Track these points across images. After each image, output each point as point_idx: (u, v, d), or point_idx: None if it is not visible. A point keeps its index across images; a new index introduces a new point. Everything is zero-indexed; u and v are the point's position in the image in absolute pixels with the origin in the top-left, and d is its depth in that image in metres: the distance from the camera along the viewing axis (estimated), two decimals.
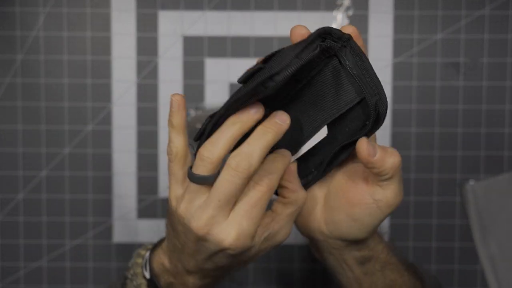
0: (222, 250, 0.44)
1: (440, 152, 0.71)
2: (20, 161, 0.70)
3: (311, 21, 0.70)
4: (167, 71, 0.69)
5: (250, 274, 0.71)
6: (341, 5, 0.69)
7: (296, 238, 0.71)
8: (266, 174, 0.44)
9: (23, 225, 0.70)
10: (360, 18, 0.69)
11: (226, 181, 0.42)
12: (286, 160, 0.45)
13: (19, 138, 0.70)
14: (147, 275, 0.50)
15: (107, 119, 0.70)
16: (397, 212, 0.71)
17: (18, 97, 0.70)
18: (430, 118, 0.70)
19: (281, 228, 0.46)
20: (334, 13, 0.69)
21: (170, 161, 0.47)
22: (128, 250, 0.71)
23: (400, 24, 0.69)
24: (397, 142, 0.70)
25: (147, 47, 0.69)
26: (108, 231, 0.71)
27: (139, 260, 0.50)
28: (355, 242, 0.48)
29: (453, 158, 0.70)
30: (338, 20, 0.69)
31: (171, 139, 0.48)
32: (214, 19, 0.69)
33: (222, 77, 0.70)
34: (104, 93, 0.70)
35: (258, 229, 0.44)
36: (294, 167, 0.46)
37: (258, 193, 0.43)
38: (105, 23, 0.69)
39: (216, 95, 0.70)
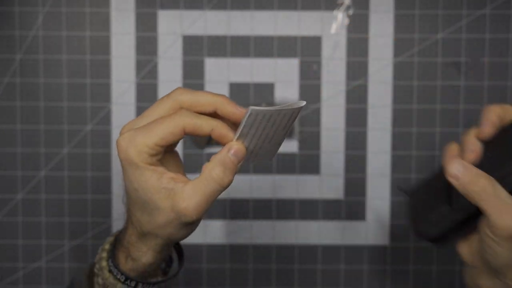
0: (118, 154, 0.47)
1: (441, 152, 0.70)
2: (19, 161, 0.70)
3: (311, 21, 0.70)
4: (167, 71, 0.69)
5: (250, 274, 0.71)
6: (341, 4, 0.69)
7: (296, 239, 0.72)
8: (188, 115, 0.47)
9: (21, 225, 0.70)
10: (360, 17, 0.69)
11: (156, 107, 0.48)
12: (219, 129, 0.47)
13: (17, 138, 0.70)
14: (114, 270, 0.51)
15: (106, 119, 0.70)
16: (399, 213, 0.71)
17: (17, 97, 0.70)
18: (431, 118, 0.70)
19: None
20: (335, 12, 0.69)
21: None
22: None
23: (401, 23, 0.69)
24: (397, 142, 0.70)
25: (146, 47, 0.69)
26: (107, 232, 0.71)
27: (104, 254, 0.51)
28: None
29: None
30: (338, 20, 0.69)
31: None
32: (214, 18, 0.69)
33: (222, 76, 0.70)
34: (103, 93, 0.70)
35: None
36: None
37: (167, 119, 0.47)
38: (104, 23, 0.69)
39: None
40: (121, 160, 0.47)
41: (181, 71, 0.71)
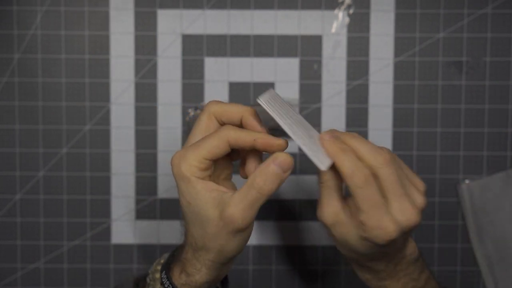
0: (173, 171, 0.52)
1: (442, 152, 0.71)
2: (17, 161, 0.70)
3: (312, 20, 0.70)
4: (166, 70, 0.69)
5: (250, 275, 0.71)
6: (342, 3, 0.69)
7: (297, 239, 0.72)
8: (229, 129, 0.51)
9: (20, 226, 0.70)
10: (361, 16, 0.69)
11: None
12: (260, 140, 0.52)
13: (16, 138, 0.70)
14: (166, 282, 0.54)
15: (105, 119, 0.70)
16: None
17: (15, 96, 0.70)
18: (432, 118, 0.70)
19: None
20: (335, 11, 0.69)
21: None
22: (126, 251, 0.71)
23: (402, 22, 0.69)
24: (398, 142, 0.70)
25: (145, 46, 0.69)
26: (106, 232, 0.71)
27: (159, 267, 0.55)
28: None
29: (455, 158, 0.70)
30: (339, 19, 0.69)
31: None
32: (213, 17, 0.69)
33: (221, 76, 0.70)
34: (102, 93, 0.70)
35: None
36: None
37: (212, 135, 0.51)
38: (103, 22, 0.69)
39: (215, 94, 0.70)
40: (175, 177, 0.51)
41: (181, 71, 0.71)
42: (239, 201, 0.49)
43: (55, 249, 0.72)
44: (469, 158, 0.71)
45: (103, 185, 0.72)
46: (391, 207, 0.49)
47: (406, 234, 0.50)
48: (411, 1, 0.71)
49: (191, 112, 0.72)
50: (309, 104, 0.71)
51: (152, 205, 0.72)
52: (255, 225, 0.72)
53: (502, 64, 0.71)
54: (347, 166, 0.50)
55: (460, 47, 0.71)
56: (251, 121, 0.52)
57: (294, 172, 0.72)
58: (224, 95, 0.71)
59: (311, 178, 0.72)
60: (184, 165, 0.51)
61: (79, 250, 0.72)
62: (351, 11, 0.71)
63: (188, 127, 0.71)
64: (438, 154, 0.71)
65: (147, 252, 0.72)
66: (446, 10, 0.71)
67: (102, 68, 0.71)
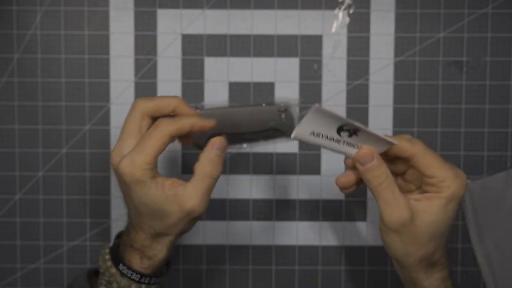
0: (122, 178, 0.55)
1: (442, 152, 0.71)
2: (16, 162, 0.70)
3: (312, 20, 0.70)
4: (166, 70, 0.69)
5: (249, 276, 0.71)
6: (342, 3, 0.69)
7: (296, 240, 0.72)
8: (168, 122, 0.55)
9: (19, 226, 0.70)
10: (361, 16, 0.69)
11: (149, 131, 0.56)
12: (197, 122, 0.57)
13: (15, 138, 0.70)
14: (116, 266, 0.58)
15: (105, 119, 0.70)
16: None
17: (15, 96, 0.70)
18: (432, 118, 0.70)
19: None
20: (335, 11, 0.69)
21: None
22: None
23: (402, 22, 0.69)
24: None
25: (145, 46, 0.69)
26: (106, 232, 0.71)
27: (109, 263, 0.58)
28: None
29: (456, 158, 0.70)
30: (339, 19, 0.69)
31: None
32: (213, 17, 0.69)
33: (221, 76, 0.70)
34: (102, 92, 0.70)
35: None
36: None
37: (152, 133, 0.55)
38: (103, 22, 0.69)
39: (215, 94, 0.70)
40: (127, 183, 0.54)
41: (180, 71, 0.71)
42: (195, 193, 0.54)
43: (55, 249, 0.72)
44: (470, 158, 0.71)
45: (103, 185, 0.72)
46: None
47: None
48: (411, 0, 0.71)
49: None
50: (309, 104, 0.71)
51: None
52: (255, 225, 0.72)
53: (502, 64, 0.71)
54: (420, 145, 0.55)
55: (460, 47, 0.71)
56: (185, 109, 0.57)
57: (294, 172, 0.72)
58: (224, 95, 0.71)
59: (311, 178, 0.72)
60: (136, 171, 0.53)
61: (79, 250, 0.72)
62: (351, 10, 0.71)
63: None
64: (439, 154, 0.71)
65: None
66: (446, 10, 0.71)
67: (101, 68, 0.71)
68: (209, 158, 0.56)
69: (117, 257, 0.58)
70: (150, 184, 0.54)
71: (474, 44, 0.71)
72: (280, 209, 0.72)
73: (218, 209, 0.72)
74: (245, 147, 0.72)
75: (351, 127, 0.54)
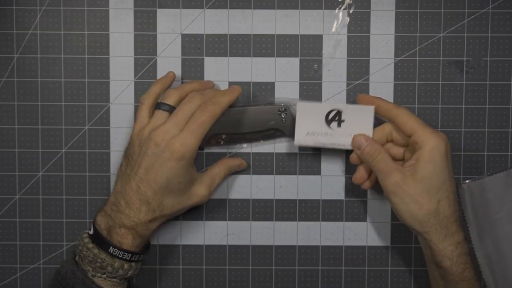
0: (168, 159, 0.60)
1: None
2: (16, 162, 0.70)
3: (312, 19, 0.70)
4: (166, 70, 0.70)
5: (250, 276, 0.71)
6: (342, 2, 0.69)
7: (297, 240, 0.72)
8: (212, 104, 0.63)
9: (19, 226, 0.70)
10: (361, 16, 0.69)
11: (187, 104, 0.63)
12: (232, 96, 0.65)
13: (15, 138, 0.70)
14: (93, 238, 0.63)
15: (104, 119, 0.70)
16: None
17: (15, 96, 0.70)
18: (432, 117, 0.70)
19: None
20: (336, 11, 0.69)
21: (141, 103, 0.66)
22: None
23: (402, 22, 0.69)
24: None
25: (145, 46, 0.69)
26: None
27: (95, 250, 0.62)
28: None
29: (456, 158, 0.70)
30: (339, 18, 0.69)
31: (149, 90, 0.67)
32: (213, 17, 0.69)
33: (221, 75, 0.70)
34: (101, 92, 0.70)
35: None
36: None
37: (203, 117, 0.62)
38: (102, 21, 0.69)
39: None
40: (172, 159, 0.61)
41: (180, 70, 0.71)
42: (211, 183, 0.68)
43: (54, 250, 0.72)
44: (470, 158, 0.71)
45: (103, 185, 0.72)
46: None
47: (449, 154, 0.63)
48: (411, 0, 0.71)
49: None
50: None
51: None
52: (255, 225, 0.72)
53: (503, 63, 0.71)
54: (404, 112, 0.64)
55: (461, 46, 0.71)
56: (208, 84, 0.69)
57: (294, 172, 0.72)
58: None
59: (311, 178, 0.72)
60: (188, 150, 0.61)
61: None
62: (351, 10, 0.71)
63: None
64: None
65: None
66: (446, 10, 0.71)
67: (101, 68, 0.71)
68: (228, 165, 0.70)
69: (103, 243, 0.62)
70: (190, 166, 0.63)
71: (474, 44, 0.71)
72: (280, 209, 0.72)
73: (218, 209, 0.72)
74: (245, 147, 0.72)
75: (335, 108, 0.67)
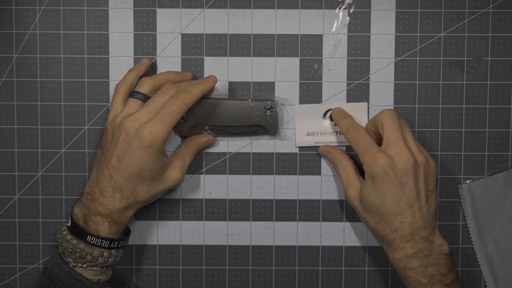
0: (138, 147, 0.61)
1: (443, 152, 0.71)
2: (15, 162, 0.70)
3: (312, 19, 0.70)
4: (165, 70, 0.69)
5: (249, 276, 0.71)
6: (342, 2, 0.69)
7: (297, 240, 0.72)
8: (185, 93, 0.63)
9: (18, 226, 0.70)
10: (362, 15, 0.69)
11: (161, 95, 0.63)
12: (206, 86, 0.66)
13: (14, 138, 0.70)
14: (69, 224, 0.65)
15: (104, 119, 0.70)
16: None
17: (14, 96, 0.70)
18: (433, 117, 0.70)
19: None
20: (336, 10, 0.69)
21: (116, 92, 0.67)
22: (126, 251, 0.71)
23: (403, 22, 0.69)
24: None
25: (145, 45, 0.69)
26: None
27: (74, 241, 0.63)
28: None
29: (456, 158, 0.70)
30: (339, 18, 0.69)
31: (124, 78, 0.68)
32: (213, 16, 0.69)
33: (221, 75, 0.70)
34: (101, 92, 0.70)
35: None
36: None
37: (175, 105, 0.62)
38: (102, 21, 0.69)
39: (215, 94, 0.69)
40: (141, 147, 0.61)
41: (180, 70, 0.71)
42: (183, 166, 0.68)
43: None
44: (470, 158, 0.71)
45: None
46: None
47: (400, 177, 0.62)
48: (412, 0, 0.71)
49: None
50: (309, 104, 0.71)
51: (150, 205, 0.72)
52: (255, 225, 0.72)
53: (503, 63, 0.71)
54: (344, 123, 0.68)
55: (461, 46, 0.71)
56: (185, 75, 0.69)
57: (294, 172, 0.72)
58: (223, 95, 0.71)
59: (311, 178, 0.72)
60: (158, 139, 0.61)
61: None
62: (351, 10, 0.71)
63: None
64: (439, 154, 0.71)
65: (146, 252, 0.72)
66: (447, 10, 0.71)
67: (101, 68, 0.71)
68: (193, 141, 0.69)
69: (80, 232, 0.63)
70: (160, 153, 0.62)
71: (475, 43, 0.71)
72: (280, 209, 0.72)
73: (218, 209, 0.72)
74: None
75: (331, 108, 0.70)
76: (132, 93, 0.66)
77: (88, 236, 0.62)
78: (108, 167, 0.62)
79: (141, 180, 0.63)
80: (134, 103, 0.65)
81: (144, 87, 0.66)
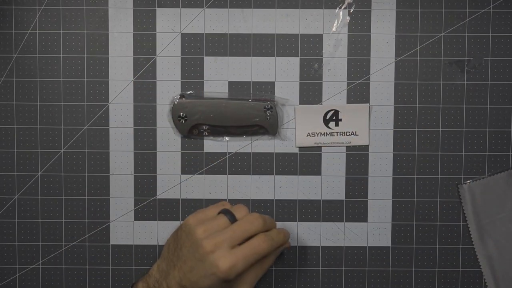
0: (213, 273, 0.59)
1: (443, 152, 0.70)
2: (15, 162, 0.70)
3: (312, 19, 0.70)
4: (165, 69, 0.69)
5: None
6: (343, 2, 0.69)
7: (297, 240, 0.72)
8: (271, 239, 0.62)
9: (18, 227, 0.70)
10: (362, 15, 0.69)
11: (248, 224, 0.62)
12: (285, 240, 0.65)
13: (13, 138, 0.70)
14: None
15: (104, 118, 0.70)
16: (399, 214, 0.71)
17: (13, 96, 0.69)
18: (433, 117, 0.69)
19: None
20: (336, 10, 0.69)
21: (220, 204, 0.67)
22: (125, 252, 0.71)
23: (403, 21, 0.69)
24: (399, 141, 0.70)
25: (144, 45, 0.69)
26: (105, 233, 0.71)
27: None
28: None
29: (457, 158, 0.70)
30: (340, 18, 0.69)
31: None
32: (213, 16, 0.69)
33: (221, 75, 0.69)
34: (101, 92, 0.70)
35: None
36: None
37: (260, 248, 0.61)
38: (102, 21, 0.69)
39: (215, 93, 0.69)
40: (218, 278, 0.59)
41: (180, 70, 0.71)
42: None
43: (53, 250, 0.72)
44: (471, 158, 0.71)
45: (102, 186, 0.72)
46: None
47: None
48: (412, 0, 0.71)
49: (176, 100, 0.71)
50: (309, 104, 0.71)
51: (150, 205, 0.72)
52: None
53: (504, 63, 0.71)
54: None
55: (462, 46, 0.71)
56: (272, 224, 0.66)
57: (294, 172, 0.72)
58: (224, 95, 0.71)
59: (311, 178, 0.72)
60: (233, 274, 0.59)
61: (77, 251, 0.72)
62: (352, 9, 0.71)
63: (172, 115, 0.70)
64: (439, 154, 0.71)
65: (146, 253, 0.72)
66: (447, 9, 0.71)
67: (100, 67, 0.71)
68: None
69: None
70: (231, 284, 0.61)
71: (475, 43, 0.71)
72: (280, 209, 0.72)
73: None
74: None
75: (332, 108, 0.70)
76: (226, 211, 0.64)
77: None
78: (180, 272, 0.61)
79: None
80: (224, 222, 0.63)
81: (238, 213, 0.64)
